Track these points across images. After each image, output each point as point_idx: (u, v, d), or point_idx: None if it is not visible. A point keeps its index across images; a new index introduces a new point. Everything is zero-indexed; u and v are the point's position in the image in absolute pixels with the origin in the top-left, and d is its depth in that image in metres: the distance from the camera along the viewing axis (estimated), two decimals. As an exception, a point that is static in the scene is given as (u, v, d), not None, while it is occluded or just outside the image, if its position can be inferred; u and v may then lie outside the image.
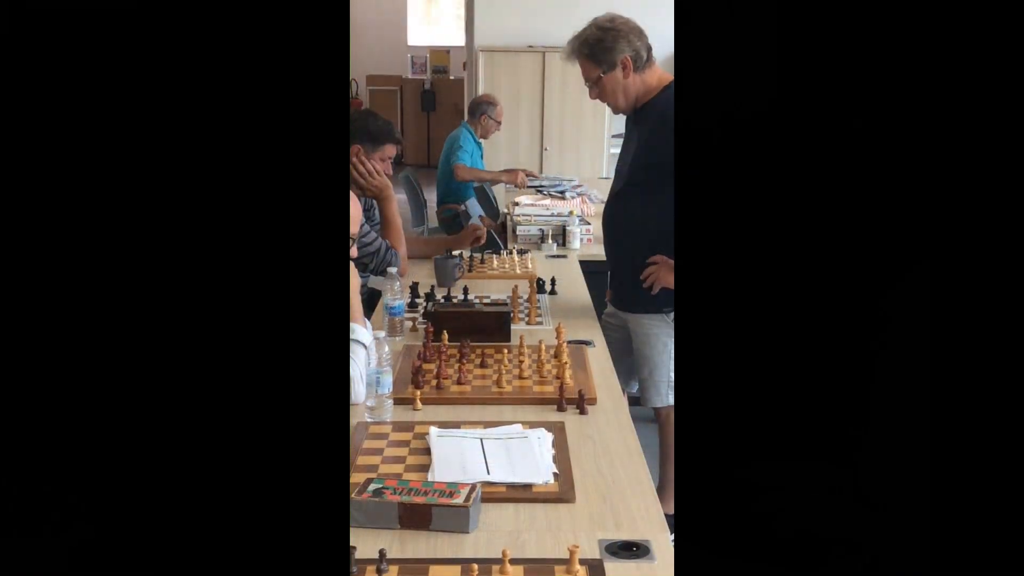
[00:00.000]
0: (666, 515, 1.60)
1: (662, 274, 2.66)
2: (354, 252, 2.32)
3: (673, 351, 2.75)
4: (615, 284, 2.92)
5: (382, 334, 2.03)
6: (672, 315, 2.72)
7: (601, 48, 2.66)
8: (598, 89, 2.73)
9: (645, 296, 2.71)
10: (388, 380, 1.96)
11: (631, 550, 1.45)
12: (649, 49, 2.70)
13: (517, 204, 4.36)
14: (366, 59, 10.82)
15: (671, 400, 2.79)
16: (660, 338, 2.76)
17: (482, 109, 5.57)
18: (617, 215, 2.82)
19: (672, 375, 2.76)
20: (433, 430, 1.85)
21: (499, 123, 5.68)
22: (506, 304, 2.64)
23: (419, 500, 1.50)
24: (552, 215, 4.02)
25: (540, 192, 4.96)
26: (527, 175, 5.39)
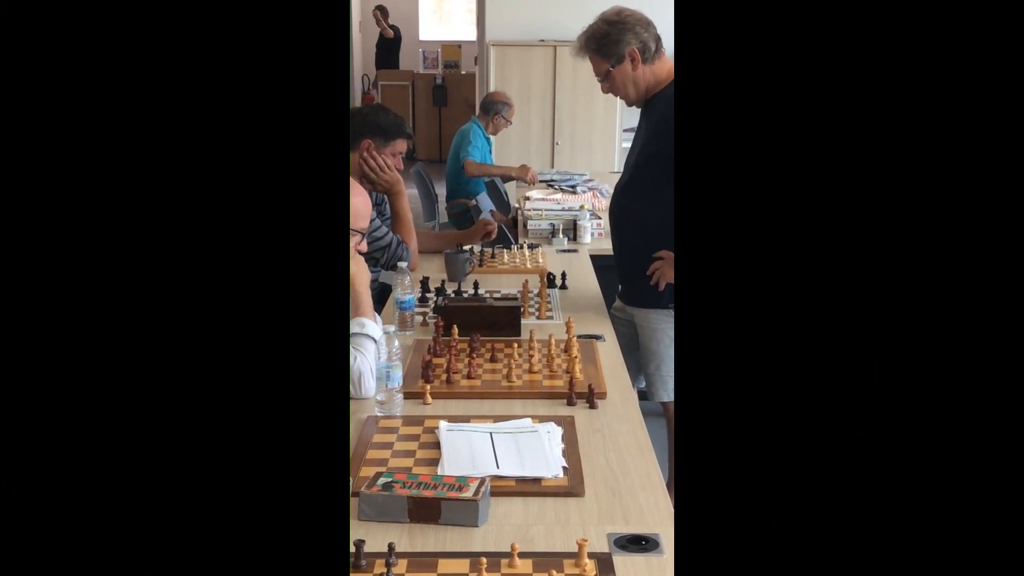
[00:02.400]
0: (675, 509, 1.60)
1: (667, 269, 2.66)
2: (364, 247, 2.33)
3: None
4: (622, 278, 2.92)
5: (392, 328, 2.04)
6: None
7: (608, 42, 2.66)
8: (609, 83, 2.73)
9: (651, 291, 2.71)
10: (398, 374, 1.97)
11: (640, 544, 1.45)
12: (658, 40, 2.69)
13: (528, 199, 4.36)
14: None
15: (678, 395, 2.79)
16: (667, 333, 2.75)
17: (496, 109, 5.58)
18: (623, 208, 2.82)
19: (679, 370, 2.76)
20: (443, 424, 1.86)
21: (510, 122, 5.71)
22: (516, 299, 2.64)
23: (428, 494, 1.50)
24: (563, 209, 4.02)
25: (551, 186, 4.96)
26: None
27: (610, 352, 2.40)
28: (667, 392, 2.81)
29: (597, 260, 3.45)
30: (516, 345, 2.29)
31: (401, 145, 3.05)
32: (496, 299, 2.63)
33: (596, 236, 3.79)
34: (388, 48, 11.33)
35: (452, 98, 10.76)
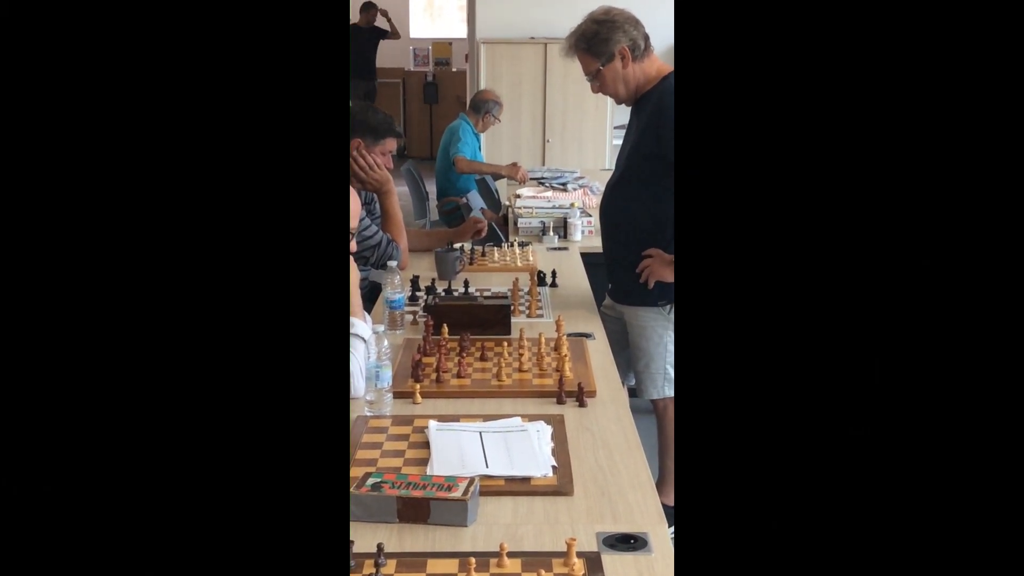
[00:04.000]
0: (664, 506, 1.60)
1: (656, 267, 2.67)
2: (354, 246, 2.33)
3: (669, 344, 2.75)
4: (612, 275, 2.93)
5: (382, 328, 2.04)
6: (668, 308, 2.73)
7: (597, 40, 2.67)
8: (599, 82, 2.74)
9: (641, 289, 2.72)
10: (387, 374, 1.97)
11: (629, 543, 1.45)
12: (647, 38, 2.71)
13: (519, 196, 4.36)
14: (369, 52, 10.82)
15: (667, 392, 2.80)
16: (656, 330, 2.76)
17: (487, 107, 5.59)
18: (613, 206, 2.83)
19: (668, 368, 2.77)
20: (432, 424, 1.86)
21: (499, 120, 5.74)
22: (506, 297, 2.64)
23: (417, 494, 1.51)
24: (553, 207, 4.02)
25: (542, 184, 4.95)
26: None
27: (600, 350, 2.40)
28: (656, 389, 2.81)
29: (587, 258, 3.45)
30: (506, 344, 2.29)
31: (391, 144, 3.05)
32: (486, 298, 2.63)
33: (586, 234, 3.79)
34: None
35: (443, 95, 10.75)
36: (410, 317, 2.60)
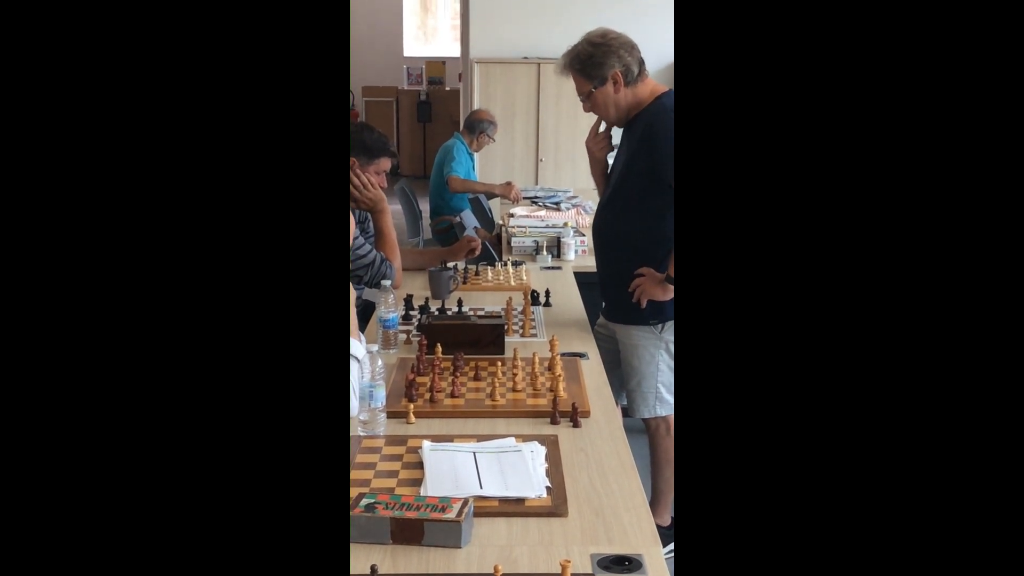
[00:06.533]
0: (658, 527, 1.60)
1: (648, 286, 2.67)
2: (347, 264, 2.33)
3: (661, 363, 2.75)
4: (605, 294, 2.93)
5: (375, 347, 2.03)
6: (660, 327, 2.73)
7: (592, 63, 2.69)
8: (591, 103, 2.76)
9: (633, 307, 2.72)
10: (381, 394, 1.96)
11: (623, 564, 1.45)
12: (641, 63, 2.72)
13: (512, 216, 4.37)
14: (362, 70, 10.85)
15: (659, 411, 2.80)
16: (648, 349, 2.76)
17: (482, 127, 5.62)
18: (605, 224, 2.84)
19: (660, 387, 2.77)
20: (426, 444, 1.85)
21: (493, 139, 5.77)
22: (500, 316, 2.64)
23: (411, 515, 1.50)
24: (547, 226, 4.03)
25: (535, 203, 4.97)
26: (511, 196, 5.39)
27: (594, 370, 2.40)
28: (648, 408, 2.81)
29: (581, 277, 3.46)
30: (500, 363, 2.28)
31: (385, 163, 3.06)
32: (480, 317, 2.63)
33: (580, 253, 3.80)
34: None
35: (436, 114, 10.79)
36: (404, 336, 2.60)
